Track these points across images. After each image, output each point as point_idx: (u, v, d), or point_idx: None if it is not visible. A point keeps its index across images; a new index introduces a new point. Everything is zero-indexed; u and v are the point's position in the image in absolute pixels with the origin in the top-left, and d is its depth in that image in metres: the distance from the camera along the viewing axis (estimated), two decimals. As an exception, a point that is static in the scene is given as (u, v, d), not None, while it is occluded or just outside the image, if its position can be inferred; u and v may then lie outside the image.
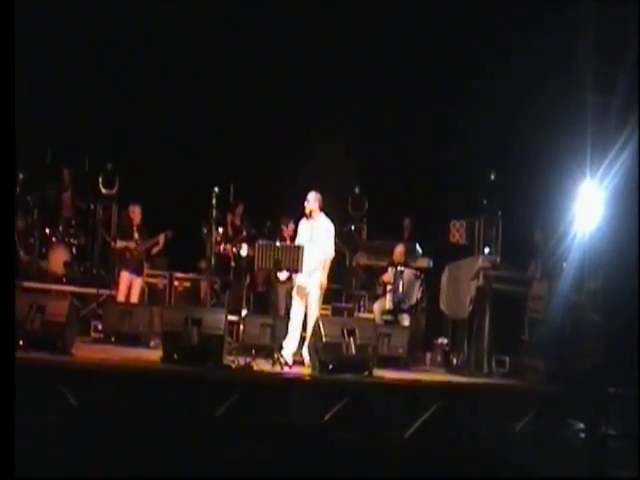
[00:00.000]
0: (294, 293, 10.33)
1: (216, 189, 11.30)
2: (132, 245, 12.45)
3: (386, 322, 12.11)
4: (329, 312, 12.88)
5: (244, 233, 13.21)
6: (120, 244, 12.55)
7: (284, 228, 12.71)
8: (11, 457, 5.80)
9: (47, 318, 8.71)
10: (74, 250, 13.67)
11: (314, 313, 10.04)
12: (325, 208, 10.41)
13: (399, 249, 12.63)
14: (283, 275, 10.94)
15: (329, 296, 12.69)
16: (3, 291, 6.33)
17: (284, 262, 9.67)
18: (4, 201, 6.63)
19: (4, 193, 6.63)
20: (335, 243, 10.51)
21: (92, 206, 14.14)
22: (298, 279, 10.20)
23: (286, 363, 9.49)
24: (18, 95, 12.10)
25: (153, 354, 9.61)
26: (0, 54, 6.64)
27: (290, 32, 14.01)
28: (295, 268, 9.75)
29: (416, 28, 13.82)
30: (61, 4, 13.11)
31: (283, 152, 14.43)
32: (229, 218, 13.53)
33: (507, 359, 10.79)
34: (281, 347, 9.90)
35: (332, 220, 10.46)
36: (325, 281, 10.25)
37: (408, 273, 12.34)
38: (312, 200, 10.28)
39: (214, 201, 11.28)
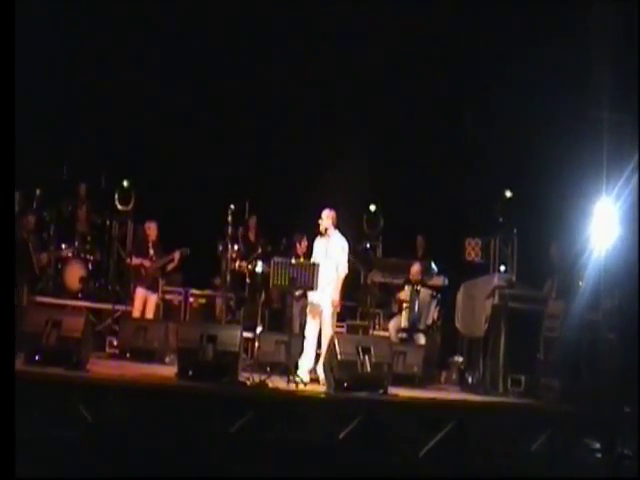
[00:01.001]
0: (308, 310, 10.34)
1: (232, 206, 11.33)
2: (148, 262, 12.48)
3: (401, 340, 12.08)
4: (344, 330, 12.86)
5: (259, 250, 13.22)
6: (136, 260, 12.59)
7: (298, 245, 12.71)
8: (11, 458, 5.80)
9: (63, 333, 8.73)
10: (90, 266, 13.70)
11: (328, 330, 10.04)
12: (340, 225, 10.43)
13: (415, 268, 12.61)
14: (297, 292, 10.95)
15: (344, 314, 12.68)
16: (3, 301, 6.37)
17: (299, 279, 9.66)
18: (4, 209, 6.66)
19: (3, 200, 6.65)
20: (350, 260, 10.51)
21: (108, 222, 14.19)
22: (311, 296, 10.20)
23: (301, 381, 9.48)
24: (36, 111, 12.28)
25: (168, 370, 9.62)
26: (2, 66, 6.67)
27: (306, 48, 14.08)
28: (310, 285, 9.74)
29: (432, 46, 13.86)
30: (84, 23, 13.28)
31: (299, 169, 14.46)
32: (242, 232, 13.53)
33: (523, 378, 10.72)
34: (296, 365, 9.89)
35: (346, 237, 10.47)
36: (337, 298, 10.23)
37: (424, 292, 12.31)
38: (325, 217, 10.33)
39: (230, 218, 11.32)
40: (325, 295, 10.12)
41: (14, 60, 6.88)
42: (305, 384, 9.48)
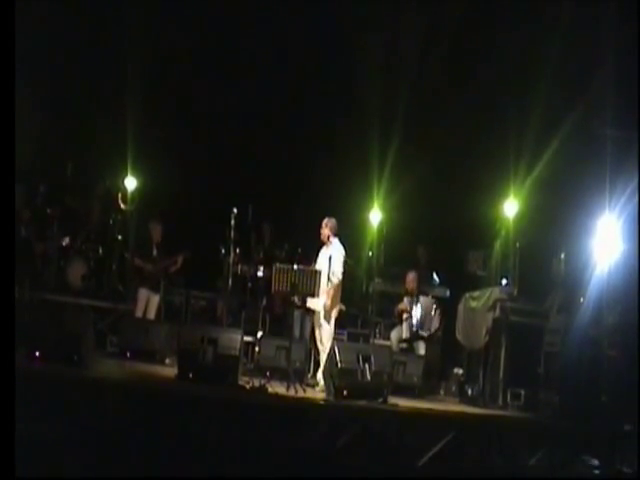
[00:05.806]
0: (313, 316, 10.42)
1: (235, 210, 11.34)
2: (151, 263, 12.48)
3: (402, 350, 12.10)
4: (345, 337, 12.85)
5: (261, 255, 13.23)
6: (139, 261, 12.59)
7: (300, 251, 12.73)
8: (11, 457, 5.79)
9: (64, 331, 8.72)
10: (92, 264, 13.67)
11: (324, 335, 10.18)
12: (341, 234, 10.55)
13: (410, 276, 12.65)
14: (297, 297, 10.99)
15: (345, 321, 12.68)
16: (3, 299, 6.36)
17: (301, 286, 9.69)
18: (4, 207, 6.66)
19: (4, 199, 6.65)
20: (352, 268, 10.57)
21: (111, 221, 14.15)
22: (309, 302, 10.29)
23: (317, 384, 9.53)
24: (42, 111, 12.28)
25: (168, 371, 9.61)
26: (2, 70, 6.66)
27: (312, 56, 14.09)
28: (312, 292, 9.78)
29: (434, 54, 13.89)
30: (95, 25, 13.28)
31: (302, 176, 14.49)
32: (254, 238, 13.51)
33: (522, 392, 10.75)
34: (297, 373, 9.93)
35: (346, 246, 10.60)
36: (329, 303, 10.29)
37: (425, 301, 12.35)
38: (325, 226, 10.57)
39: (232, 222, 11.33)
40: (320, 301, 10.27)
41: (14, 56, 6.85)
42: (304, 390, 9.48)
